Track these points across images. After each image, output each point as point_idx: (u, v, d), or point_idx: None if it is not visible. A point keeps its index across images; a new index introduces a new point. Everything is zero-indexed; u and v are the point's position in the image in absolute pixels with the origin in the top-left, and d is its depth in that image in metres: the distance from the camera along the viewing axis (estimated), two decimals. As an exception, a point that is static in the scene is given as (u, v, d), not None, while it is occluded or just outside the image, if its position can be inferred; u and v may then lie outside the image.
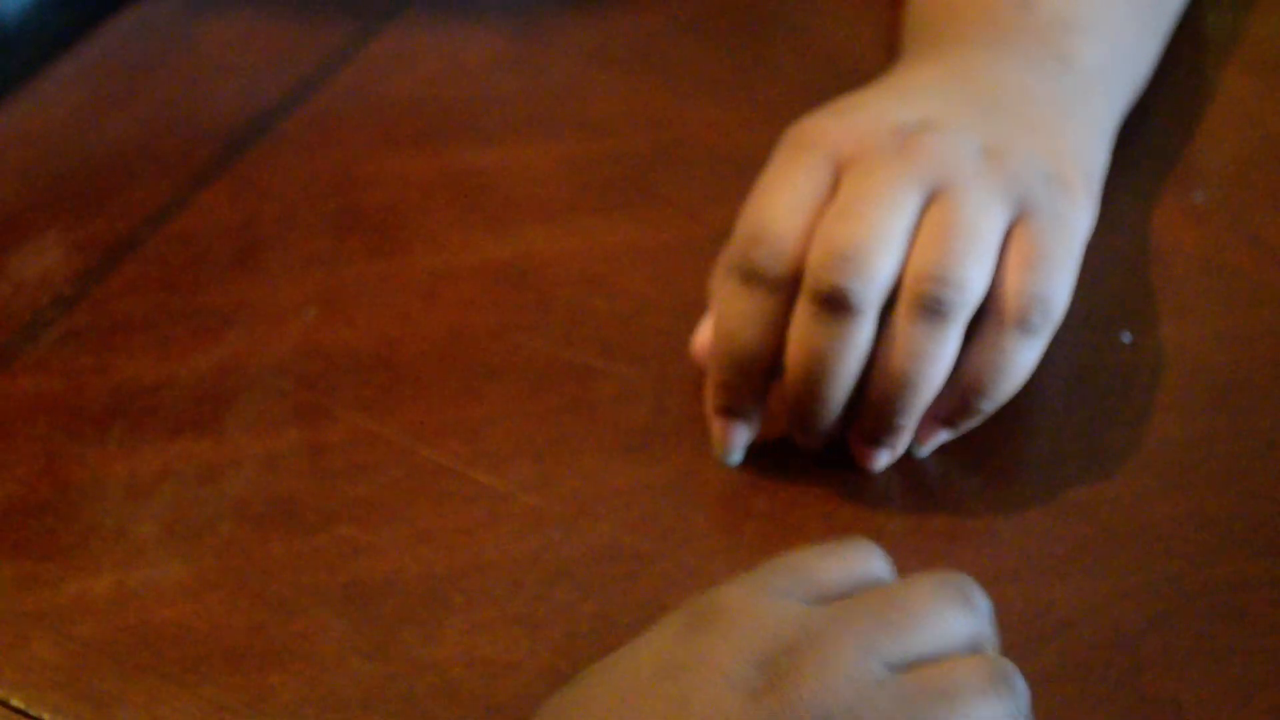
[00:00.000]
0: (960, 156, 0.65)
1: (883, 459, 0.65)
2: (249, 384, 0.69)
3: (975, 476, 0.66)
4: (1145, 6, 0.76)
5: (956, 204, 0.63)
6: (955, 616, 0.53)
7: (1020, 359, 0.63)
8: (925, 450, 0.66)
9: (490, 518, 0.65)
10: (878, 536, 0.64)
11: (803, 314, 0.63)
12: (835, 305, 0.62)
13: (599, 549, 0.63)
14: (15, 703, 0.59)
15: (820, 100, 0.69)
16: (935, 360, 0.63)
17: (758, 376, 0.64)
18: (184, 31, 0.84)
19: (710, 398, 0.66)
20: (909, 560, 0.63)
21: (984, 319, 0.64)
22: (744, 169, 0.67)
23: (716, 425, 0.66)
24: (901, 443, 0.65)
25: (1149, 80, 0.76)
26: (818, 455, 0.65)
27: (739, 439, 0.65)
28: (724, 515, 0.65)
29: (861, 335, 0.63)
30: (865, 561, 0.56)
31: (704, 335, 0.67)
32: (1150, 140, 0.76)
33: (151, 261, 0.74)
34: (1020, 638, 0.60)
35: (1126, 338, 0.70)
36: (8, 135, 0.80)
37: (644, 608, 0.61)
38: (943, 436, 0.65)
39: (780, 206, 0.64)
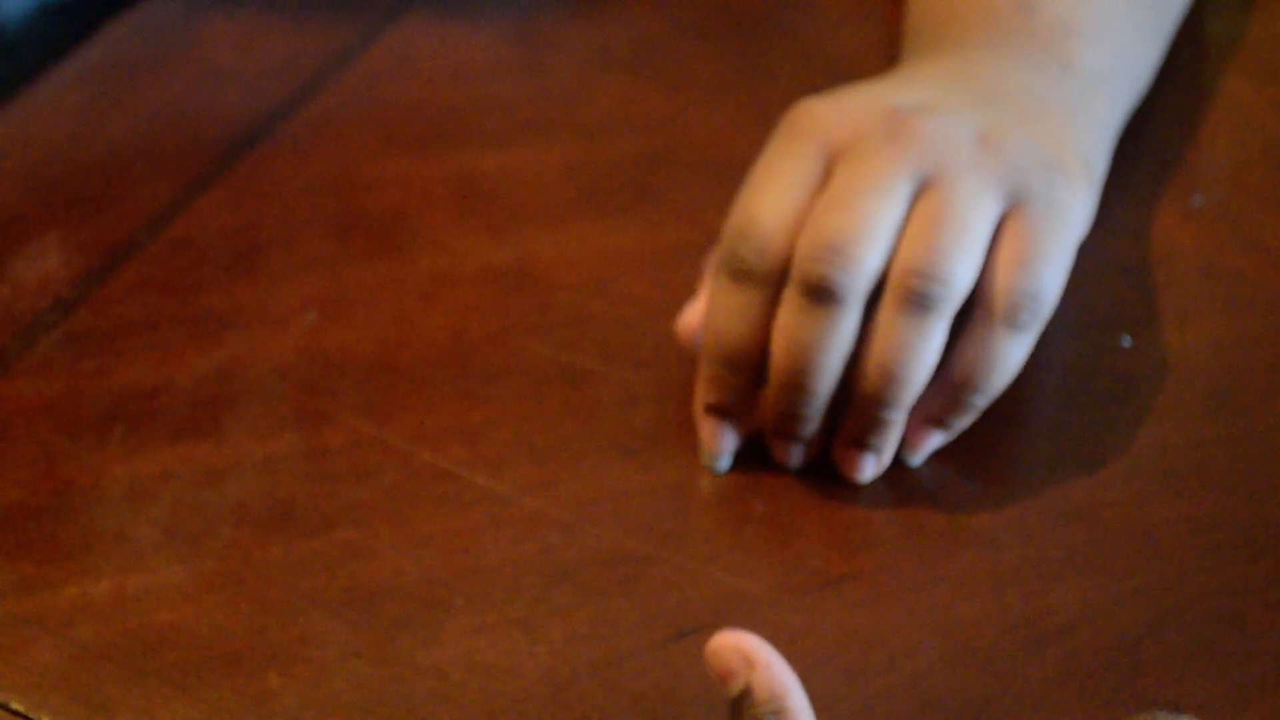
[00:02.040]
0: (954, 142, 0.64)
1: (869, 467, 0.65)
2: (249, 387, 0.69)
3: (974, 480, 0.66)
4: (1146, 11, 0.76)
5: (948, 195, 0.63)
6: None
7: (1010, 355, 0.63)
8: (918, 458, 0.65)
9: (490, 521, 0.65)
10: (876, 540, 0.64)
11: (789, 304, 0.63)
12: (821, 295, 0.62)
13: (599, 552, 0.63)
14: (15, 706, 0.59)
15: (820, 104, 0.69)
16: (920, 353, 0.62)
17: (747, 372, 0.64)
18: (184, 34, 0.84)
19: (699, 396, 0.66)
20: (907, 563, 0.63)
21: (973, 312, 0.63)
22: (744, 173, 0.67)
23: (705, 428, 0.66)
24: (888, 446, 0.64)
25: (1150, 85, 0.76)
26: (814, 461, 0.65)
27: (727, 443, 0.65)
28: (723, 518, 0.65)
29: (846, 326, 0.62)
30: None
31: (689, 316, 0.67)
32: (1149, 144, 0.76)
33: (152, 264, 0.74)
34: (1020, 641, 0.60)
35: (1126, 342, 0.70)
36: (9, 139, 0.80)
37: (644, 611, 0.61)
38: (935, 440, 0.65)
39: (769, 200, 0.64)
